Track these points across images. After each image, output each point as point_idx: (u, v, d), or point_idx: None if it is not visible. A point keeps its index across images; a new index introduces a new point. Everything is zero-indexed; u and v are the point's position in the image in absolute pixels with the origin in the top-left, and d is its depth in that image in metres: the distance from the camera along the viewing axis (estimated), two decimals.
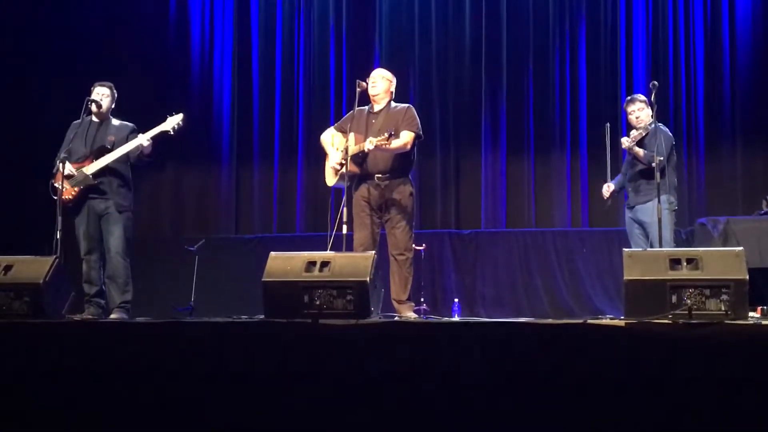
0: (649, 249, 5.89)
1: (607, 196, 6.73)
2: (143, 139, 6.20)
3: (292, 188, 9.45)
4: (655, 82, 6.18)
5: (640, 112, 6.55)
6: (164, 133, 6.31)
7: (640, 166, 6.42)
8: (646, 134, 6.46)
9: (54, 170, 6.15)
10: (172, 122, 6.32)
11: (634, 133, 6.46)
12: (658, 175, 5.85)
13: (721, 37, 8.84)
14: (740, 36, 8.80)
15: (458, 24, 9.31)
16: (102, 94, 6.37)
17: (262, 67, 9.60)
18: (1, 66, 8.94)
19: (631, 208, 6.57)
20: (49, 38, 9.20)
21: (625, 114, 6.77)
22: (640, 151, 6.34)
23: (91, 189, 6.21)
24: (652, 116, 6.47)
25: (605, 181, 6.75)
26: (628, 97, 6.80)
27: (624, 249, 4.56)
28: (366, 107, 6.17)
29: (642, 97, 6.67)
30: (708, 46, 8.89)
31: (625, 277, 4.35)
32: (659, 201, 5.84)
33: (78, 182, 6.17)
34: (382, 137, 5.68)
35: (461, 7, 9.31)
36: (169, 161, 9.50)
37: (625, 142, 6.50)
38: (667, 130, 6.63)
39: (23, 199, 8.53)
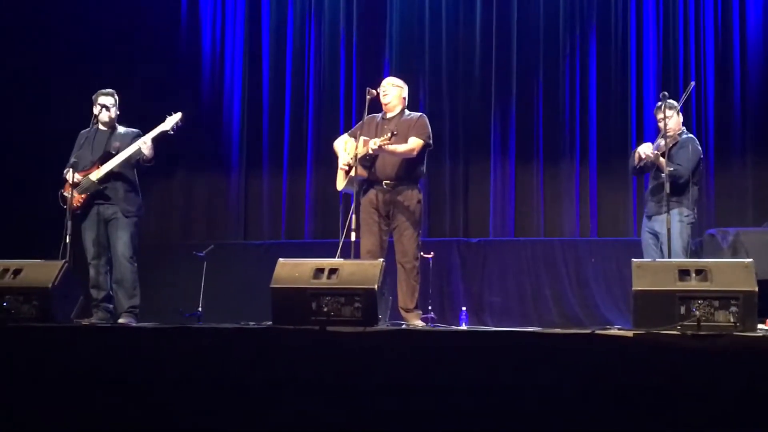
0: (658, 260, 5.86)
1: (644, 157, 6.30)
2: (144, 141, 6.22)
3: (301, 195, 9.45)
4: (665, 93, 6.15)
5: (669, 120, 6.19)
6: (164, 133, 6.32)
7: (663, 177, 6.00)
8: (674, 144, 6.30)
9: (63, 176, 6.18)
10: (171, 122, 6.33)
11: (661, 143, 6.17)
12: (668, 186, 5.81)
13: (732, 47, 8.82)
14: (751, 47, 8.78)
15: (468, 32, 9.31)
16: (109, 103, 6.39)
17: (272, 73, 9.62)
18: (13, 71, 8.97)
19: (650, 217, 6.50)
20: (60, 44, 9.23)
21: (654, 119, 6.59)
22: (664, 163, 5.99)
23: (98, 195, 6.23)
24: (682, 125, 6.41)
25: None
26: (659, 103, 6.35)
27: (633, 259, 4.54)
28: (379, 114, 6.18)
29: (674, 103, 6.35)
30: (718, 56, 8.87)
31: (634, 288, 4.34)
32: (668, 212, 5.80)
33: (84, 189, 6.19)
34: (384, 137, 5.69)
35: (471, 16, 9.32)
36: (178, 167, 9.53)
37: (649, 151, 6.24)
38: (697, 142, 6.48)
39: (33, 204, 8.54)
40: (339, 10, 9.51)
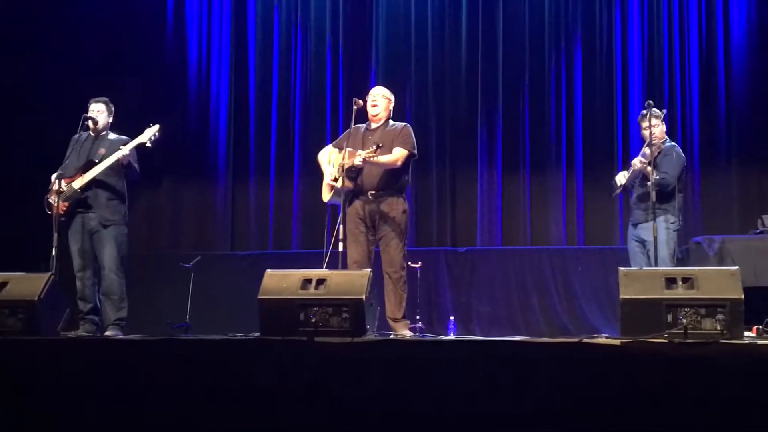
0: (645, 268, 5.88)
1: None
2: (121, 153, 6.18)
3: (288, 205, 9.44)
4: (651, 101, 6.19)
5: (654, 128, 6.27)
6: (142, 145, 6.29)
7: (649, 186, 6.06)
8: (659, 153, 6.36)
9: (51, 183, 6.17)
10: (149, 134, 6.28)
11: (647, 152, 6.25)
12: (654, 194, 5.84)
13: (716, 56, 8.87)
14: (735, 56, 8.84)
15: (455, 41, 9.34)
16: (97, 111, 6.40)
17: (258, 83, 9.62)
18: (2, 82, 8.95)
19: (636, 225, 6.54)
20: (48, 55, 9.20)
21: (639, 128, 6.66)
22: (651, 172, 6.03)
23: (80, 203, 6.21)
24: (666, 133, 6.46)
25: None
26: (643, 111, 6.48)
27: (620, 268, 4.56)
28: (363, 125, 6.19)
29: (657, 112, 6.42)
30: (703, 65, 8.92)
31: (621, 296, 4.35)
32: (655, 220, 5.83)
33: (67, 197, 6.16)
34: (370, 150, 5.71)
35: (458, 26, 9.35)
36: (165, 177, 9.50)
37: (637, 163, 6.33)
38: (680, 149, 6.56)
39: (19, 215, 8.52)
40: (325, 19, 9.53)
